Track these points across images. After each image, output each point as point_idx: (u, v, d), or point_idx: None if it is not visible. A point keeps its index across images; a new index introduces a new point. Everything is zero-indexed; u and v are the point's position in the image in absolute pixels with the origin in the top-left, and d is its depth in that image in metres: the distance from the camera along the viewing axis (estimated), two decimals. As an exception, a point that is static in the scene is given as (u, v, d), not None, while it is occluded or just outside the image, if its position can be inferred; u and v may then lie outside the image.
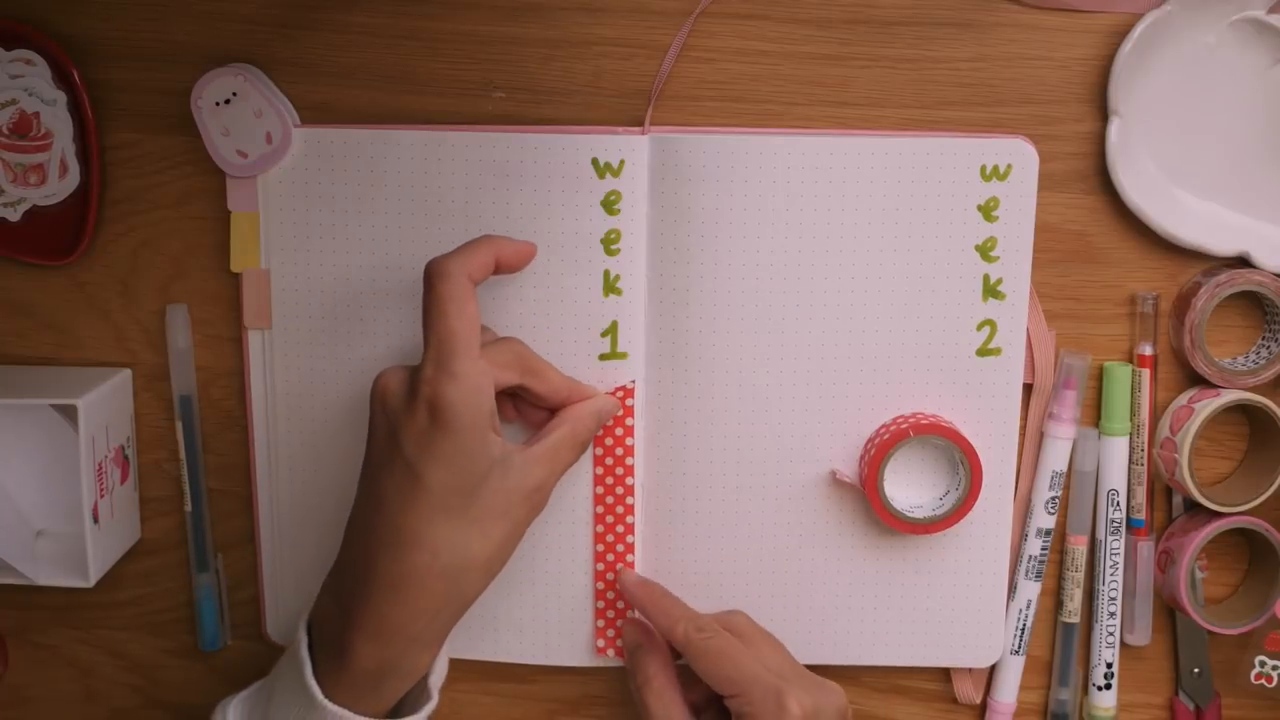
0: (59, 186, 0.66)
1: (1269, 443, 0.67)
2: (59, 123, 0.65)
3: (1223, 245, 0.65)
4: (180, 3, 0.65)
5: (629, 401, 0.66)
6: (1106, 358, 0.67)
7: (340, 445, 0.67)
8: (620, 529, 0.67)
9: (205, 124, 0.65)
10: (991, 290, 0.65)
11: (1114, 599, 0.68)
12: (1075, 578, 0.68)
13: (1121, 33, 0.63)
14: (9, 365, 0.69)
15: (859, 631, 0.68)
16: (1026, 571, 0.68)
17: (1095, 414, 0.68)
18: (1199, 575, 0.69)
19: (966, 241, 0.65)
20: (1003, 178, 0.64)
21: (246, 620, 0.71)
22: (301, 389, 0.67)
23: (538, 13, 0.65)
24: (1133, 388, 0.67)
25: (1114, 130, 0.64)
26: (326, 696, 0.57)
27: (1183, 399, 0.67)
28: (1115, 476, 0.67)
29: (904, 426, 0.65)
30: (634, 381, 0.66)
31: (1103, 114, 0.65)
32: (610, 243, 0.65)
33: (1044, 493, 0.67)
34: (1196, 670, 0.70)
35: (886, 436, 0.65)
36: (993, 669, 0.70)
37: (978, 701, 0.70)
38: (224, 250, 0.67)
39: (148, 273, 0.68)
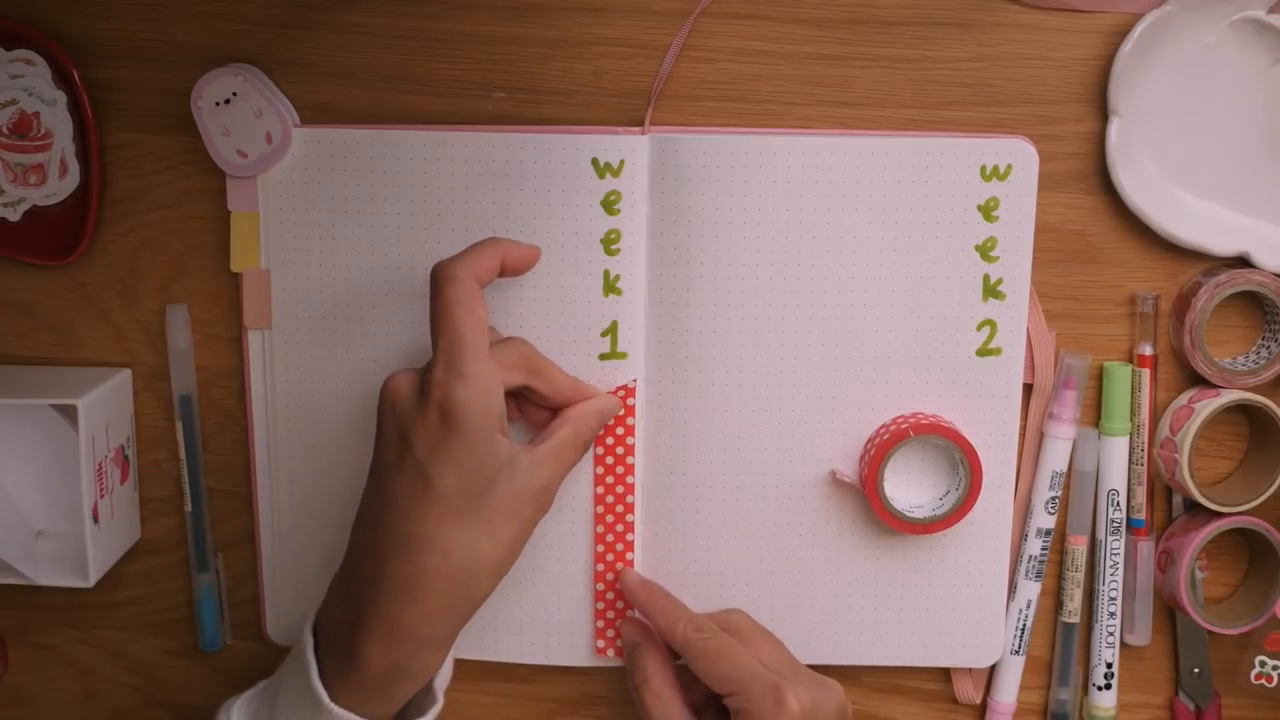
0: (59, 186, 0.66)
1: (1269, 443, 0.67)
2: (59, 123, 0.65)
3: (1223, 245, 0.65)
4: (180, 3, 0.65)
5: (630, 401, 0.66)
6: (1106, 358, 0.67)
7: (341, 445, 0.67)
8: (620, 528, 0.67)
9: (205, 124, 0.65)
10: (991, 290, 0.65)
11: (1114, 599, 0.68)
12: (1075, 578, 0.68)
13: (1121, 33, 0.63)
14: (9, 365, 0.69)
15: (859, 631, 0.68)
16: (1026, 571, 0.68)
17: (1095, 414, 0.68)
18: (1199, 575, 0.69)
19: (966, 241, 0.65)
20: (1003, 178, 0.64)
21: (246, 620, 0.71)
22: (301, 389, 0.67)
23: (538, 13, 0.65)
24: (1133, 388, 0.67)
25: (1114, 130, 0.64)
26: (333, 699, 0.57)
27: (1183, 399, 0.67)
28: (1115, 476, 0.67)
29: (904, 426, 0.65)
30: (635, 381, 0.66)
31: (1103, 114, 0.65)
32: (610, 243, 0.65)
33: (1044, 493, 0.67)
34: (1196, 670, 0.70)
35: (886, 436, 0.65)
36: (993, 669, 0.70)
37: (978, 701, 0.70)
38: (224, 250, 0.67)
39: (148, 273, 0.68)
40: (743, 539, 0.67)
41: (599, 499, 0.67)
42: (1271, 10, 0.63)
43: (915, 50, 0.64)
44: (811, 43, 0.65)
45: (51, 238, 0.67)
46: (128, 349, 0.69)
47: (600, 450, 0.66)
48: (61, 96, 0.65)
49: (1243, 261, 0.66)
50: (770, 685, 0.59)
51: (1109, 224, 0.66)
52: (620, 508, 0.67)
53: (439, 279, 0.57)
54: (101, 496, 0.65)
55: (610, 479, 0.67)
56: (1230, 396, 0.65)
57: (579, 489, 0.67)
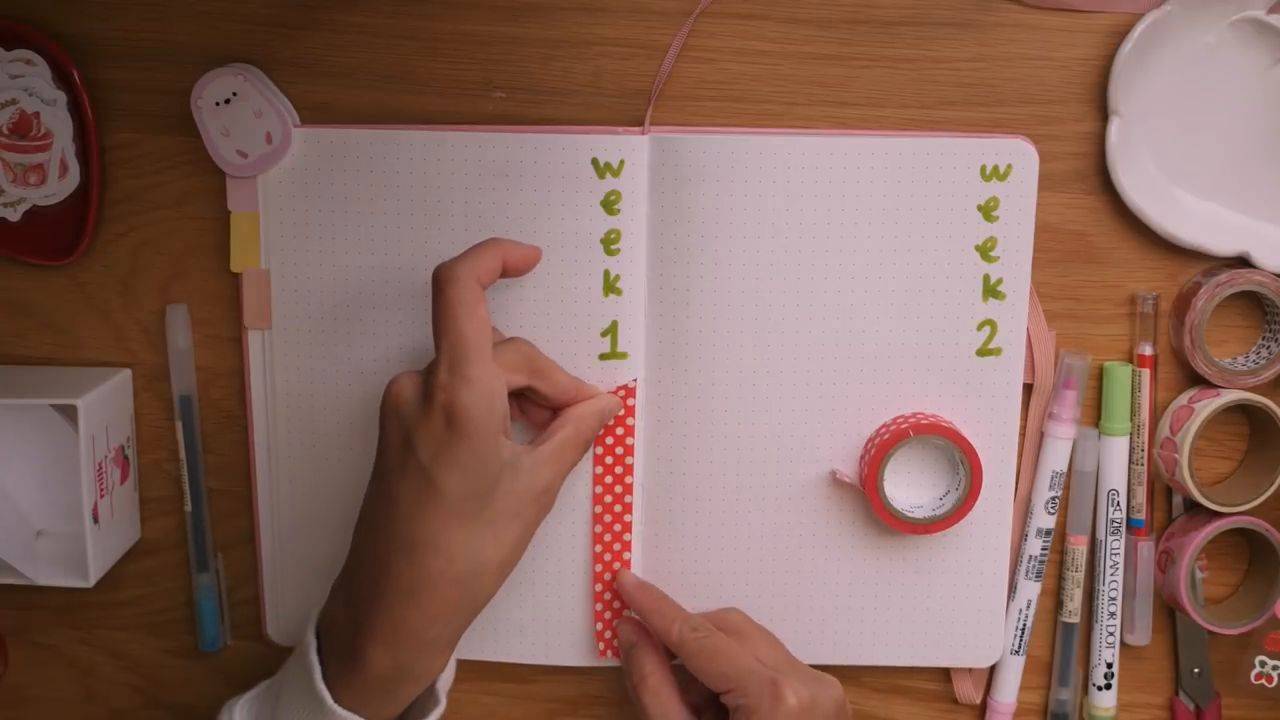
0: (59, 186, 0.66)
1: (1269, 443, 0.67)
2: (59, 123, 0.65)
3: (1223, 245, 0.65)
4: (180, 3, 0.65)
5: (630, 401, 0.66)
6: (1106, 358, 0.67)
7: (341, 445, 0.67)
8: (619, 528, 0.67)
9: (205, 124, 0.65)
10: (991, 290, 0.65)
11: (1114, 599, 0.68)
12: (1075, 578, 0.68)
13: (1121, 33, 0.63)
14: (9, 365, 0.69)
15: (859, 631, 0.68)
16: (1026, 571, 0.68)
17: (1095, 414, 0.68)
18: (1199, 575, 0.69)
19: (966, 241, 0.65)
20: (1003, 178, 0.64)
21: (246, 620, 0.71)
22: (301, 389, 0.67)
23: (538, 13, 0.65)
24: (1133, 388, 0.67)
25: (1114, 130, 0.64)
26: (336, 701, 0.57)
27: (1183, 399, 0.67)
28: (1115, 476, 0.67)
29: (904, 426, 0.65)
30: (635, 380, 0.66)
31: (1103, 114, 0.65)
32: (610, 243, 0.65)
33: (1044, 493, 0.67)
34: (1196, 670, 0.70)
35: (886, 436, 0.65)
36: (993, 669, 0.70)
37: (978, 701, 0.70)
38: (224, 250, 0.67)
39: (148, 273, 0.68)
40: (743, 539, 0.67)
41: (598, 499, 0.67)
42: (1271, 10, 0.63)
43: (915, 50, 0.64)
44: (811, 43, 0.65)
45: (51, 238, 0.67)
46: (128, 349, 0.69)
47: (600, 450, 0.66)
48: (61, 96, 0.65)
49: (1243, 261, 0.66)
50: (768, 681, 0.59)
51: (1109, 224, 0.66)
52: (619, 508, 0.67)
53: (440, 281, 0.57)
54: (101, 496, 0.65)
55: (609, 479, 0.67)
56: (1230, 396, 0.65)
57: (578, 489, 0.67)
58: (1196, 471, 0.66)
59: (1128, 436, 0.67)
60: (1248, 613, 0.68)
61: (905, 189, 0.64)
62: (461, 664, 0.68)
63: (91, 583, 0.65)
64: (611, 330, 0.65)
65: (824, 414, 0.66)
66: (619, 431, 0.66)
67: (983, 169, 0.64)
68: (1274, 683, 0.70)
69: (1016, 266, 0.65)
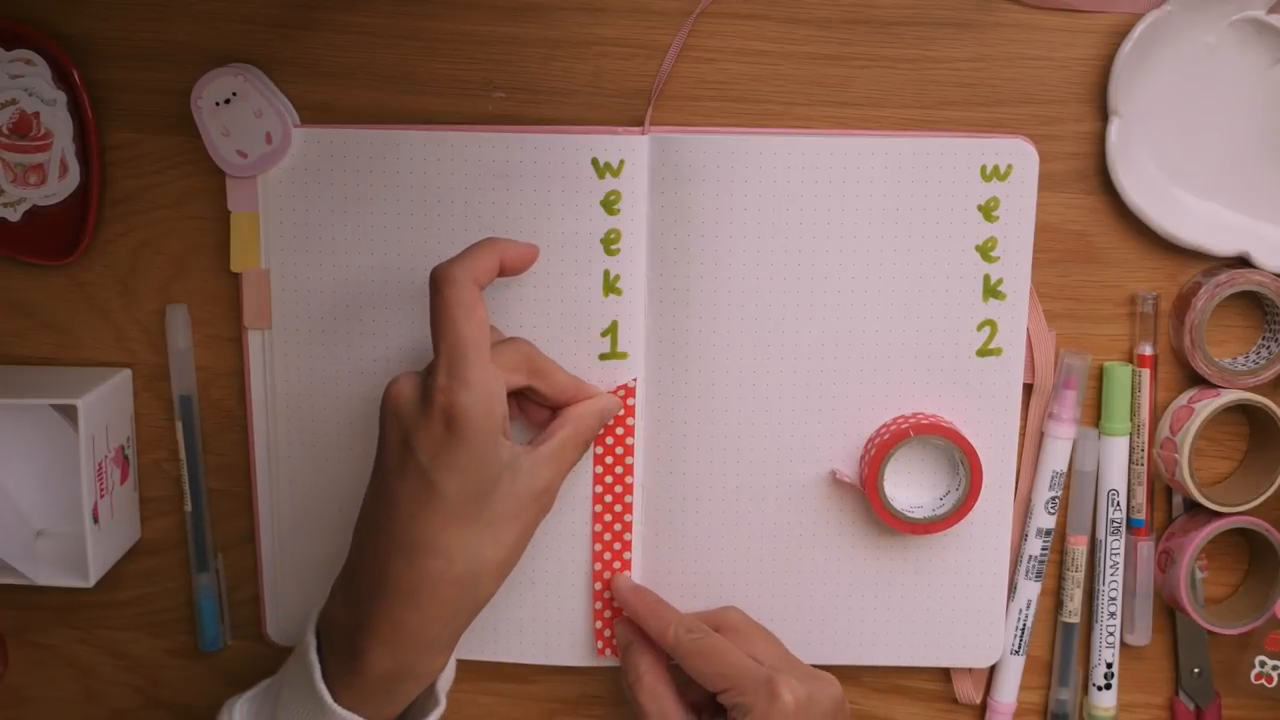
0: (59, 186, 0.66)
1: (1269, 443, 0.67)
2: (59, 123, 0.65)
3: (1223, 245, 0.65)
4: (180, 3, 0.65)
5: (630, 401, 0.66)
6: (1106, 358, 0.67)
7: (341, 445, 0.67)
8: (619, 528, 0.67)
9: (205, 124, 0.65)
10: (992, 290, 0.65)
11: (1114, 599, 0.68)
12: (1075, 578, 0.68)
13: (1121, 33, 0.63)
14: (9, 365, 0.69)
15: (859, 631, 0.68)
16: (1026, 571, 0.68)
17: (1095, 414, 0.68)
18: (1199, 575, 0.69)
19: (967, 241, 0.65)
20: (1003, 178, 0.64)
21: (246, 620, 0.71)
22: (301, 389, 0.67)
23: (538, 13, 0.65)
24: (1133, 388, 0.67)
25: (1114, 130, 0.64)
26: (336, 701, 0.57)
27: (1183, 399, 0.67)
28: (1115, 476, 0.67)
29: (904, 426, 0.65)
30: (635, 380, 0.66)
31: (1103, 114, 0.65)
32: (610, 243, 0.65)
33: (1044, 493, 0.67)
34: (1196, 670, 0.70)
35: (886, 436, 0.65)
36: (993, 669, 0.70)
37: (978, 701, 0.70)
38: (224, 250, 0.67)
39: (148, 273, 0.68)
40: (743, 539, 0.67)
41: (598, 498, 0.67)
42: (1271, 10, 0.63)
43: (915, 50, 0.64)
44: (811, 43, 0.65)
45: (51, 238, 0.67)
46: (128, 349, 0.69)
47: (600, 450, 0.66)
48: (61, 96, 0.65)
49: (1243, 261, 0.66)
50: (764, 678, 0.59)
51: (1109, 224, 0.66)
52: (619, 507, 0.67)
53: (438, 282, 0.57)
54: (101, 496, 0.65)
55: (609, 479, 0.67)
56: (1230, 396, 0.65)
57: (578, 489, 0.67)
58: (1196, 471, 0.66)
59: (1128, 436, 0.67)
60: (1248, 613, 0.68)
61: (905, 189, 0.64)
62: (461, 664, 0.68)
63: (91, 583, 0.65)
64: (611, 330, 0.65)
65: (824, 414, 0.66)
66: (619, 431, 0.66)
67: (983, 169, 0.64)
68: (1274, 683, 0.70)
69: (1016, 266, 0.65)
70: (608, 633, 0.68)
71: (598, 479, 0.67)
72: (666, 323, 0.65)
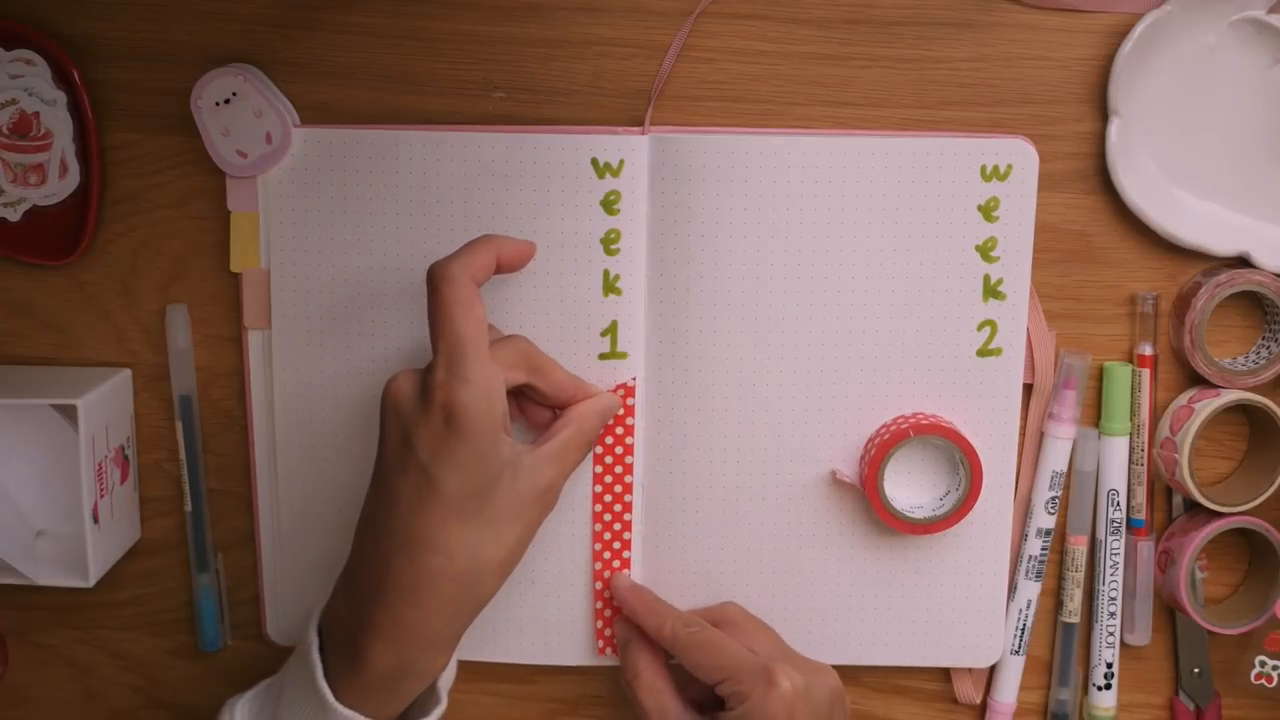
0: (59, 186, 0.66)
1: (1269, 443, 0.67)
2: (59, 123, 0.65)
3: (1223, 245, 0.65)
4: (180, 3, 0.65)
5: (629, 400, 0.66)
6: (1106, 358, 0.67)
7: (340, 445, 0.67)
8: (619, 527, 0.67)
9: (205, 124, 0.65)
10: (992, 290, 0.65)
11: (1114, 599, 0.68)
12: (1075, 578, 0.68)
13: (1121, 33, 0.63)
14: (9, 365, 0.69)
15: (859, 631, 0.68)
16: (1026, 571, 0.68)
17: (1095, 414, 0.68)
18: (1199, 575, 0.69)
19: (967, 241, 0.65)
20: (1003, 178, 0.64)
21: (246, 620, 0.71)
22: (301, 389, 0.67)
23: (538, 13, 0.65)
24: (1133, 388, 0.67)
25: (1114, 130, 0.64)
26: (337, 699, 0.57)
27: (1183, 399, 0.67)
28: (1115, 476, 0.67)
29: (904, 426, 0.65)
30: (634, 379, 0.66)
31: (1103, 114, 0.65)
32: (610, 243, 0.65)
33: (1044, 493, 0.67)
34: (1196, 670, 0.70)
35: (886, 436, 0.65)
36: (993, 669, 0.70)
37: (978, 701, 0.70)
38: (224, 250, 0.67)
39: (148, 273, 0.68)
40: (743, 539, 0.67)
41: (598, 498, 0.67)
42: (1271, 10, 0.63)
43: (915, 50, 0.64)
44: (811, 43, 0.65)
45: (51, 238, 0.67)
46: (128, 349, 0.69)
47: (600, 450, 0.66)
48: (61, 96, 0.65)
49: (1243, 261, 0.66)
50: (760, 667, 0.60)
51: (1109, 224, 0.66)
52: (619, 507, 0.67)
53: (435, 280, 0.57)
54: (101, 496, 0.65)
55: (609, 478, 0.67)
56: (1230, 396, 0.65)
57: (578, 488, 0.67)
58: (1196, 471, 0.66)
59: (1128, 436, 0.67)
60: (1248, 613, 0.68)
61: (905, 189, 0.64)
62: (461, 664, 0.68)
63: (91, 583, 0.65)
64: (611, 330, 0.65)
65: (824, 414, 0.66)
66: (619, 431, 0.66)
67: (983, 169, 0.64)
68: (1274, 683, 0.70)
69: (1016, 266, 0.65)
70: (608, 632, 0.68)
71: (597, 478, 0.67)
72: (666, 322, 0.65)
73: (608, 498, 0.67)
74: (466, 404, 0.56)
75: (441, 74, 0.65)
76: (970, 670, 0.70)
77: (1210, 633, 0.69)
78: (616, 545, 0.67)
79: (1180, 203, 0.65)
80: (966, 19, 0.64)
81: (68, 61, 0.65)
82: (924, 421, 0.65)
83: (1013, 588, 0.68)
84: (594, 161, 0.64)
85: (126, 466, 0.69)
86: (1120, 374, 0.67)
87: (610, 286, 0.65)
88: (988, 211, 0.64)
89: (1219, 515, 0.67)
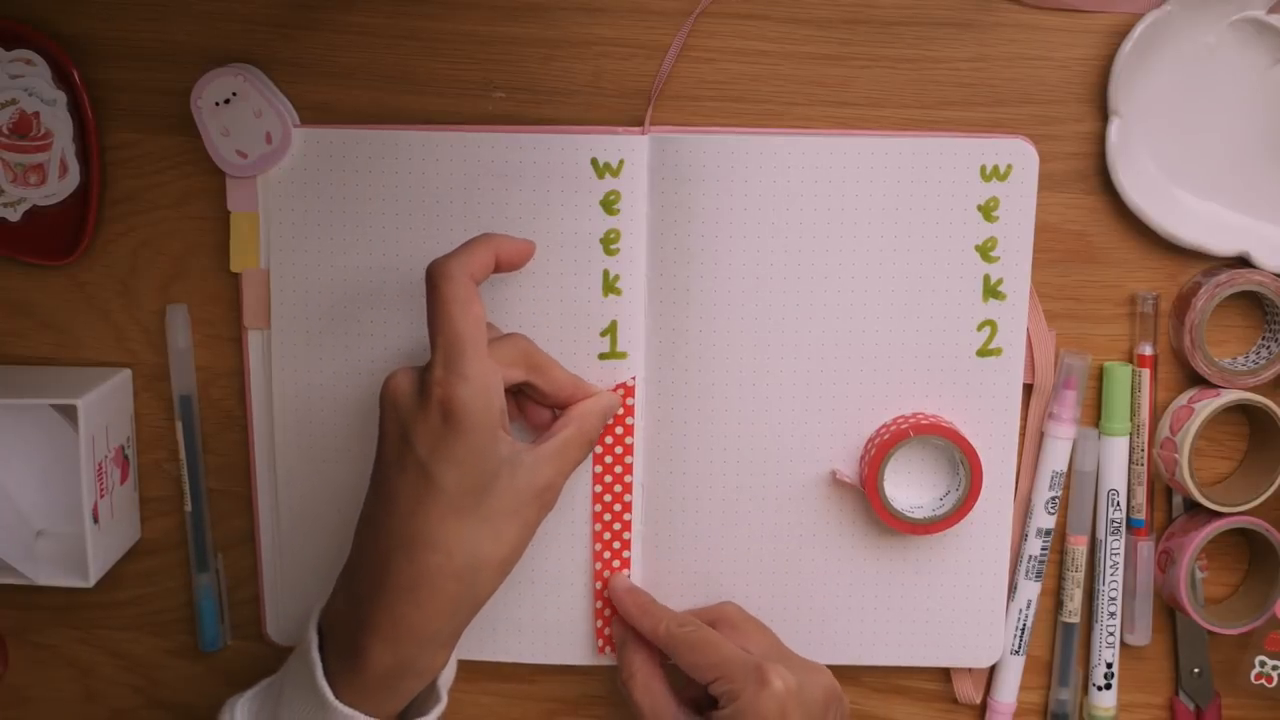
0: (59, 186, 0.66)
1: (1269, 443, 0.67)
2: (59, 123, 0.65)
3: (1223, 245, 0.65)
4: (180, 3, 0.65)
5: (629, 400, 0.66)
6: (1106, 358, 0.67)
7: (340, 445, 0.67)
8: (618, 527, 0.67)
9: (205, 124, 0.65)
10: (992, 290, 0.65)
11: (1114, 599, 0.68)
12: (1075, 578, 0.68)
13: (1121, 33, 0.63)
14: (9, 365, 0.69)
15: (859, 631, 0.68)
16: (1026, 571, 0.68)
17: (1095, 414, 0.68)
18: (1199, 575, 0.69)
19: (966, 241, 0.65)
20: (1003, 178, 0.64)
21: (246, 620, 0.71)
22: (301, 389, 0.67)
23: (538, 13, 0.65)
24: (1133, 388, 0.67)
25: (1114, 130, 0.64)
26: (337, 697, 0.57)
27: (1183, 399, 0.67)
28: (1115, 476, 0.67)
29: (904, 426, 0.65)
30: (634, 378, 0.66)
31: (1103, 114, 0.65)
32: (610, 242, 0.65)
33: (1044, 493, 0.67)
34: (1196, 670, 0.70)
35: (886, 436, 0.65)
36: (993, 669, 0.70)
37: (978, 701, 0.70)
38: (224, 250, 0.67)
39: (148, 273, 0.68)
40: (742, 539, 0.67)
41: (597, 498, 0.67)
42: (1271, 10, 0.63)
43: (915, 50, 0.64)
44: (811, 43, 0.65)
45: (51, 238, 0.67)
46: (128, 349, 0.69)
47: (599, 449, 0.66)
48: (61, 96, 0.65)
49: (1243, 261, 0.66)
50: (753, 666, 0.60)
51: (1109, 224, 0.66)
52: (619, 507, 0.67)
53: (434, 277, 0.58)
54: (101, 496, 0.65)
55: (609, 478, 0.67)
56: (1230, 396, 0.65)
57: (578, 488, 0.67)
58: (1196, 471, 0.66)
59: (1128, 436, 0.67)
60: (1248, 613, 0.68)
61: (905, 189, 0.64)
62: (461, 664, 0.68)
63: (91, 583, 0.65)
64: (611, 330, 0.65)
65: (824, 414, 0.66)
66: (618, 431, 0.66)
67: (983, 169, 0.64)
68: (1274, 683, 0.70)
69: (1016, 266, 0.65)
70: (608, 631, 0.68)
71: (597, 478, 0.67)
72: (666, 322, 0.65)
73: (607, 497, 0.67)
74: (464, 400, 0.56)
75: (441, 74, 0.65)
76: (970, 670, 0.70)
77: (1210, 633, 0.69)
78: (616, 545, 0.67)
79: (1180, 203, 0.65)
80: (966, 19, 0.64)
81: (68, 61, 0.65)
82: (924, 421, 0.65)
83: (1013, 588, 0.68)
84: (594, 161, 0.64)
85: (126, 466, 0.69)
86: (1120, 374, 0.67)
87: (610, 286, 0.65)
88: (987, 211, 0.64)
89: (1219, 515, 0.67)
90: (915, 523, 0.65)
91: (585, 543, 0.67)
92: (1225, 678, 0.70)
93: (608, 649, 0.68)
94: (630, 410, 0.66)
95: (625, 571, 0.67)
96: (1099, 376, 0.67)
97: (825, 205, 0.64)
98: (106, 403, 0.66)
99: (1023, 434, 0.67)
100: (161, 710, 0.73)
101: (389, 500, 0.57)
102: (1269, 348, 0.66)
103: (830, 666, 0.64)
